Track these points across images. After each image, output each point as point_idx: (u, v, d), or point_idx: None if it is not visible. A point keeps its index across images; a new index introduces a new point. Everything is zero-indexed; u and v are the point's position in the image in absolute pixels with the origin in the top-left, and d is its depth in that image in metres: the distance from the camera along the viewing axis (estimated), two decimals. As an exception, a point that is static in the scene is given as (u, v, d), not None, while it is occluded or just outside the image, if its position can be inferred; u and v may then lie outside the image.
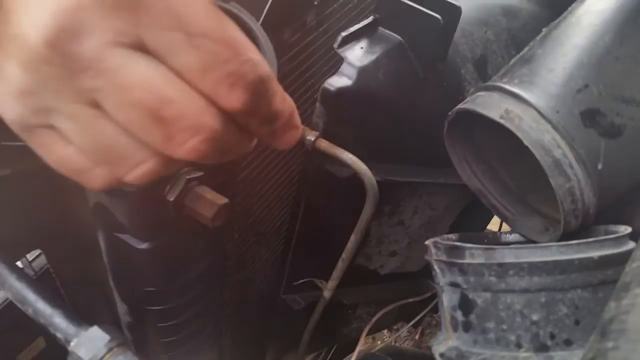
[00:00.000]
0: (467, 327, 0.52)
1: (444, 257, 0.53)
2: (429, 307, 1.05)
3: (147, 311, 0.72)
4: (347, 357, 1.21)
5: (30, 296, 0.47)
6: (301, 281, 0.91)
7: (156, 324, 0.75)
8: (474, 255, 0.50)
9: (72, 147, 0.34)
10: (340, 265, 0.83)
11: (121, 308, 0.74)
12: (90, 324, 0.46)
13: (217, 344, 0.92)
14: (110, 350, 0.44)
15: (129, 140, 0.33)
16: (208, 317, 0.81)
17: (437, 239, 0.55)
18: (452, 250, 0.52)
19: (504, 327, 0.49)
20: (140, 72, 0.30)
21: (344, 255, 0.82)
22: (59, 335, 0.45)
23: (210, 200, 0.49)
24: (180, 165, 0.37)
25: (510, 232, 0.65)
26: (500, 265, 0.49)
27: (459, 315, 0.53)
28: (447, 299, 0.54)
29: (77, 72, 0.30)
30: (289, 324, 1.00)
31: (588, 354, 0.31)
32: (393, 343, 1.48)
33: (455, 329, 0.53)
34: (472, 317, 0.51)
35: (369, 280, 0.96)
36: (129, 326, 0.78)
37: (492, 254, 0.49)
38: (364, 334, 0.84)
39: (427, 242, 0.56)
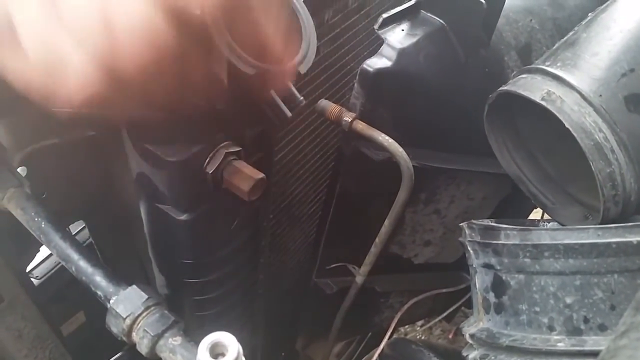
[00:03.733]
0: (499, 308, 0.52)
1: (477, 238, 0.53)
2: (463, 299, 1.04)
3: (183, 284, 0.74)
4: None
5: (74, 255, 0.49)
6: (334, 265, 0.92)
7: (192, 297, 0.77)
8: (509, 235, 0.50)
9: None
10: (374, 250, 0.83)
11: (159, 280, 0.76)
12: (129, 283, 0.48)
13: (250, 323, 0.93)
14: (147, 308, 0.45)
15: (71, 47, 0.32)
16: (242, 294, 0.83)
17: (471, 220, 0.54)
18: (487, 231, 0.52)
19: (537, 309, 0.49)
20: None
21: (377, 241, 0.82)
22: (99, 292, 0.47)
23: (248, 175, 0.50)
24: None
25: (549, 221, 0.64)
26: (535, 246, 0.48)
27: (491, 297, 0.52)
28: (480, 281, 0.54)
29: None
30: (321, 307, 1.00)
31: (621, 327, 0.31)
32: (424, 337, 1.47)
33: (487, 311, 0.53)
34: (505, 298, 0.51)
35: (402, 269, 0.96)
36: (165, 299, 0.80)
37: (527, 234, 0.49)
38: (395, 319, 0.84)
39: (461, 224, 0.56)
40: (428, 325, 1.21)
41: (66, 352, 0.72)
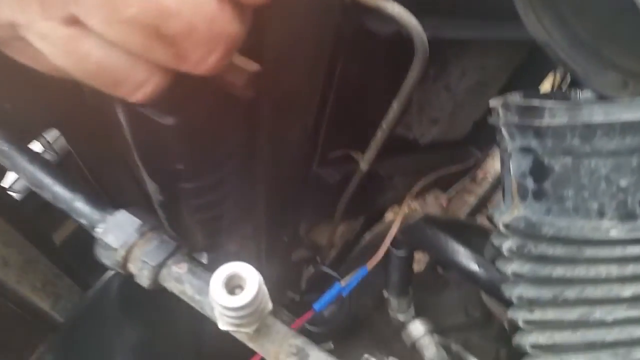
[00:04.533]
0: (539, 195, 0.46)
1: (515, 119, 0.45)
2: (468, 173, 1.00)
3: (178, 189, 0.68)
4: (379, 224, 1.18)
5: (46, 180, 0.41)
6: (336, 154, 0.85)
7: (189, 201, 0.71)
8: (555, 114, 0.42)
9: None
10: (380, 136, 0.76)
11: (151, 186, 0.70)
12: (117, 207, 0.41)
13: (252, 217, 0.89)
14: (142, 235, 0.39)
15: (126, 59, 0.28)
16: (241, 192, 0.77)
17: (506, 98, 0.47)
18: (527, 111, 0.44)
19: (585, 194, 0.43)
20: None
21: (383, 126, 0.74)
22: (82, 221, 0.41)
23: (240, 68, 0.41)
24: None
25: (581, 89, 0.56)
26: (586, 125, 0.41)
27: (530, 183, 0.46)
28: (516, 165, 0.47)
29: None
30: (323, 196, 0.96)
31: None
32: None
33: (523, 198, 0.47)
34: (547, 184, 0.45)
35: (407, 150, 0.90)
36: (161, 204, 0.74)
37: (577, 112, 0.42)
38: (403, 208, 0.79)
39: (492, 103, 0.48)
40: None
41: (60, 271, 0.67)
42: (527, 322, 0.46)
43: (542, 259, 0.45)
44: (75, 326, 0.66)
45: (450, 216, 1.19)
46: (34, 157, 0.43)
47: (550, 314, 0.44)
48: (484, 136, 0.90)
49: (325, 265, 1.15)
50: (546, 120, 0.43)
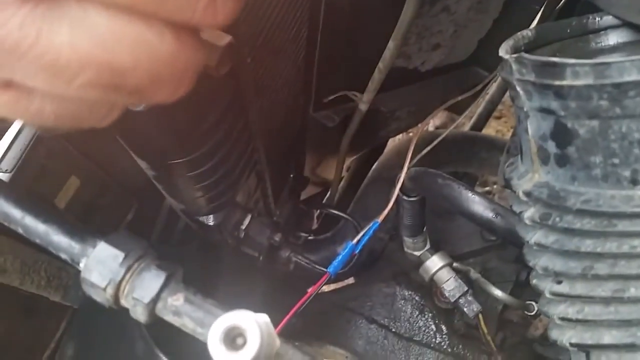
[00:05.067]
0: (562, 161, 0.41)
1: (531, 77, 0.40)
2: (478, 98, 0.93)
3: (169, 165, 0.64)
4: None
5: (14, 212, 0.37)
6: (332, 97, 0.79)
7: (184, 174, 0.67)
8: (579, 73, 0.36)
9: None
10: (377, 77, 0.70)
11: (141, 163, 0.65)
12: (96, 235, 0.37)
13: (254, 170, 0.85)
14: (129, 269, 0.35)
15: (85, 105, 0.25)
16: (238, 152, 0.72)
17: (522, 53, 0.40)
18: (546, 68, 0.38)
19: (615, 161, 0.38)
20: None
21: (380, 66, 0.68)
22: (62, 256, 0.37)
23: (210, 44, 0.35)
24: None
25: (600, 16, 0.49)
26: (616, 85, 0.36)
27: (551, 147, 0.41)
28: (534, 127, 0.42)
29: None
30: (325, 137, 0.91)
31: None
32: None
33: (544, 162, 0.43)
34: (571, 149, 0.40)
35: (408, 80, 0.84)
36: (155, 178, 0.70)
37: (604, 70, 0.36)
38: (413, 141, 0.74)
39: (505, 56, 0.42)
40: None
41: (63, 264, 0.64)
42: (554, 294, 0.43)
43: (569, 232, 0.41)
44: (90, 311, 0.65)
45: (457, 130, 1.14)
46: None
47: (580, 288, 0.41)
48: (490, 55, 0.83)
49: (335, 199, 1.13)
50: (568, 81, 0.37)
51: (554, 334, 0.45)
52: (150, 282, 0.35)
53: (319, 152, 1.00)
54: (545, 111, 0.40)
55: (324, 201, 1.14)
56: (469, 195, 0.63)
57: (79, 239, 0.37)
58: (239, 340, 0.30)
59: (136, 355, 0.60)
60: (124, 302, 0.35)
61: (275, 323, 0.32)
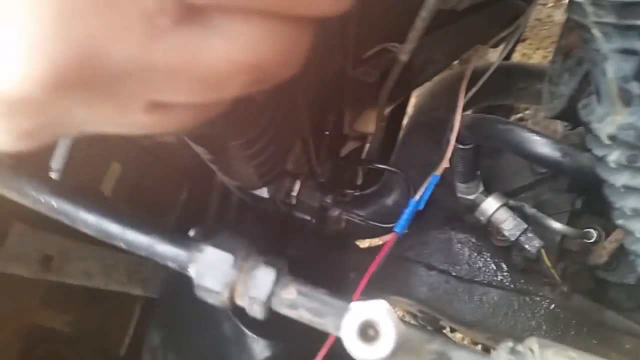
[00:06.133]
0: (648, 100, 0.40)
1: (611, 19, 0.38)
2: (513, 29, 0.90)
3: (226, 147, 0.64)
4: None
5: (114, 228, 0.38)
6: (371, 52, 0.77)
7: (240, 154, 0.67)
8: (670, 11, 0.35)
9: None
10: (420, 24, 0.68)
11: (197, 149, 0.66)
12: (198, 239, 0.38)
13: (298, 137, 0.85)
14: (240, 270, 0.36)
15: None
16: (285, 125, 0.72)
17: (601, -5, 0.39)
18: (629, 8, 0.37)
19: None
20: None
21: (422, 14, 0.66)
22: (170, 264, 0.38)
23: None
24: None
25: None
26: None
27: (635, 88, 0.40)
28: (615, 69, 0.41)
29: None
30: (362, 94, 0.90)
31: None
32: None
33: (627, 104, 0.42)
34: (659, 89, 0.39)
35: (445, 22, 0.81)
36: (211, 161, 0.70)
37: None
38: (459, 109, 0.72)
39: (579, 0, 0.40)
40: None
41: (140, 259, 0.66)
42: (648, 233, 0.43)
43: (662, 171, 0.40)
44: (171, 299, 0.67)
45: (488, 61, 1.11)
46: (91, 204, 0.39)
47: (678, 226, 0.41)
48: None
49: (375, 152, 1.12)
50: (657, 19, 0.36)
51: (647, 270, 0.45)
52: (262, 279, 0.36)
53: (357, 107, 0.98)
54: (628, 52, 0.39)
55: (363, 156, 1.13)
56: (534, 138, 0.62)
57: (183, 246, 0.37)
58: (371, 332, 0.30)
59: (225, 337, 0.62)
60: (240, 302, 0.36)
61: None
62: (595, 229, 0.87)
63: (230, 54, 0.21)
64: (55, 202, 0.39)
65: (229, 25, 0.21)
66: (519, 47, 1.70)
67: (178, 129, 0.25)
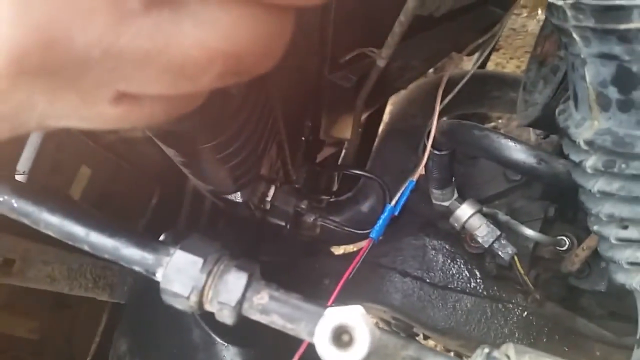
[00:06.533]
0: (625, 106, 0.40)
1: (590, 23, 0.38)
2: (489, 36, 0.91)
3: (198, 150, 0.62)
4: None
5: (78, 230, 0.36)
6: (348, 57, 0.77)
7: (213, 157, 0.66)
8: (647, 15, 0.35)
9: None
10: (398, 29, 0.67)
11: (169, 151, 0.64)
12: (166, 243, 0.36)
13: (274, 140, 0.84)
14: (210, 273, 0.35)
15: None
16: (260, 127, 0.71)
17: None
18: (608, 12, 0.37)
19: (685, 101, 0.37)
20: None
21: (401, 18, 0.66)
22: (136, 268, 0.36)
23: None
24: None
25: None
26: (688, 24, 0.34)
27: (612, 93, 0.40)
28: (593, 73, 0.41)
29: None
30: (339, 101, 0.89)
31: None
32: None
33: (604, 109, 0.42)
34: (636, 94, 0.39)
35: (423, 28, 0.81)
36: (183, 164, 0.69)
37: (676, 9, 0.34)
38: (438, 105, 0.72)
39: (557, 2, 0.40)
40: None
41: (106, 263, 0.64)
42: (620, 239, 0.43)
43: (637, 178, 0.40)
44: (139, 305, 0.65)
45: (462, 70, 1.12)
46: (54, 204, 0.37)
47: (651, 233, 0.41)
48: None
49: (352, 157, 1.12)
50: (635, 24, 0.36)
51: (621, 278, 0.45)
52: (233, 284, 0.34)
53: (334, 112, 0.98)
54: (606, 57, 0.39)
55: (339, 161, 1.13)
56: (510, 144, 0.62)
57: (150, 249, 0.36)
58: (345, 337, 0.29)
59: (193, 343, 0.61)
60: (208, 307, 0.35)
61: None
62: (567, 237, 0.87)
63: (205, 40, 0.20)
64: (15, 202, 0.37)
65: (204, 10, 0.20)
66: (493, 57, 1.72)
67: (147, 124, 0.24)
